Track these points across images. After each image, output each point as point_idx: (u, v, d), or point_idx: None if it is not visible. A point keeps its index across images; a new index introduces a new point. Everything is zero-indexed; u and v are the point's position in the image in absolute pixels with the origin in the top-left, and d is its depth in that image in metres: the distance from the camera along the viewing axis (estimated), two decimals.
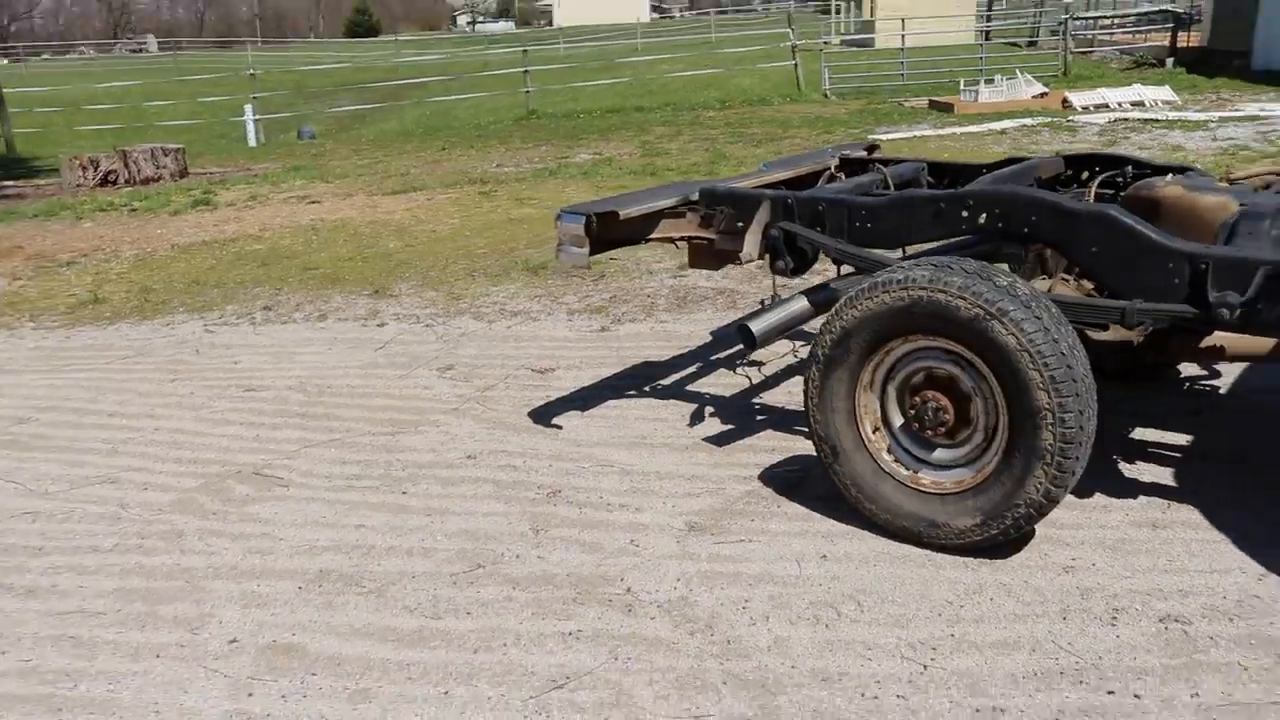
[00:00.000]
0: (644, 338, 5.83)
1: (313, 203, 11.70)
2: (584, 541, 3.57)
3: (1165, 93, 17.12)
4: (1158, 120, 14.89)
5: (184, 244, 9.71)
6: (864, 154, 5.15)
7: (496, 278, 7.43)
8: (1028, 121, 15.51)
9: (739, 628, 3.01)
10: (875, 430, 3.45)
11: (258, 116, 20.67)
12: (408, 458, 4.37)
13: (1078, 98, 16.97)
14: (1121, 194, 4.04)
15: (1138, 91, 17.12)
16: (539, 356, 5.60)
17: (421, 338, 6.08)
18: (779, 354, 5.39)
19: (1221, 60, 21.43)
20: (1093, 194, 4.26)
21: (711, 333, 5.85)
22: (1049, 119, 15.70)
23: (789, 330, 3.99)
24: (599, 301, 6.63)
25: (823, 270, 4.80)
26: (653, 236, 4.32)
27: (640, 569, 3.37)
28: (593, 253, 4.09)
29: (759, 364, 5.28)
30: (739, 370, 5.22)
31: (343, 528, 3.79)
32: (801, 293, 4.00)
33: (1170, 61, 22.67)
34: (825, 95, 21.24)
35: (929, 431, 3.35)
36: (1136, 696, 2.65)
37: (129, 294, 7.81)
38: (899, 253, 4.05)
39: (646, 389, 5.00)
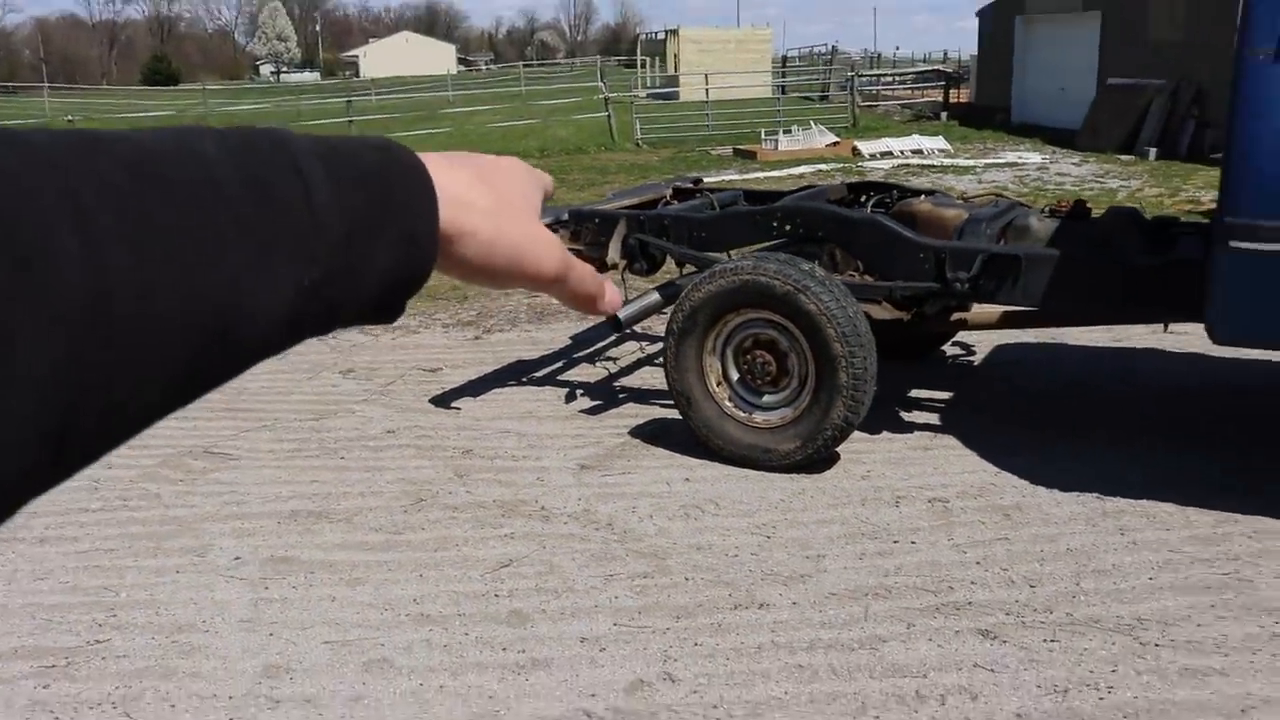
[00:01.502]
0: (514, 343, 6.85)
1: None
2: (501, 481, 4.57)
3: (940, 142, 19.33)
4: (934, 165, 16.92)
5: None
6: (691, 185, 6.37)
7: None
8: (823, 167, 17.30)
9: (631, 524, 4.09)
10: (718, 384, 4.60)
11: None
12: (336, 435, 5.26)
13: (865, 146, 18.96)
14: (888, 210, 5.37)
15: (917, 141, 19.26)
16: (426, 360, 6.55)
17: (316, 348, 6.92)
18: (629, 351, 6.52)
19: (986, 114, 24.09)
20: (868, 210, 5.57)
21: (570, 338, 6.93)
22: (841, 164, 17.55)
23: (646, 317, 5.12)
24: (468, 317, 7.62)
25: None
26: None
27: (549, 494, 4.40)
28: None
29: (613, 359, 6.39)
30: (598, 364, 6.31)
31: (298, 484, 4.66)
32: (653, 288, 5.14)
33: (944, 115, 25.28)
34: (638, 144, 22.72)
35: (758, 382, 4.52)
36: (913, 543, 3.86)
37: None
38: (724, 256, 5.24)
39: (524, 380, 6.03)
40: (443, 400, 5.72)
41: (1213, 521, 4.04)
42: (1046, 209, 5.08)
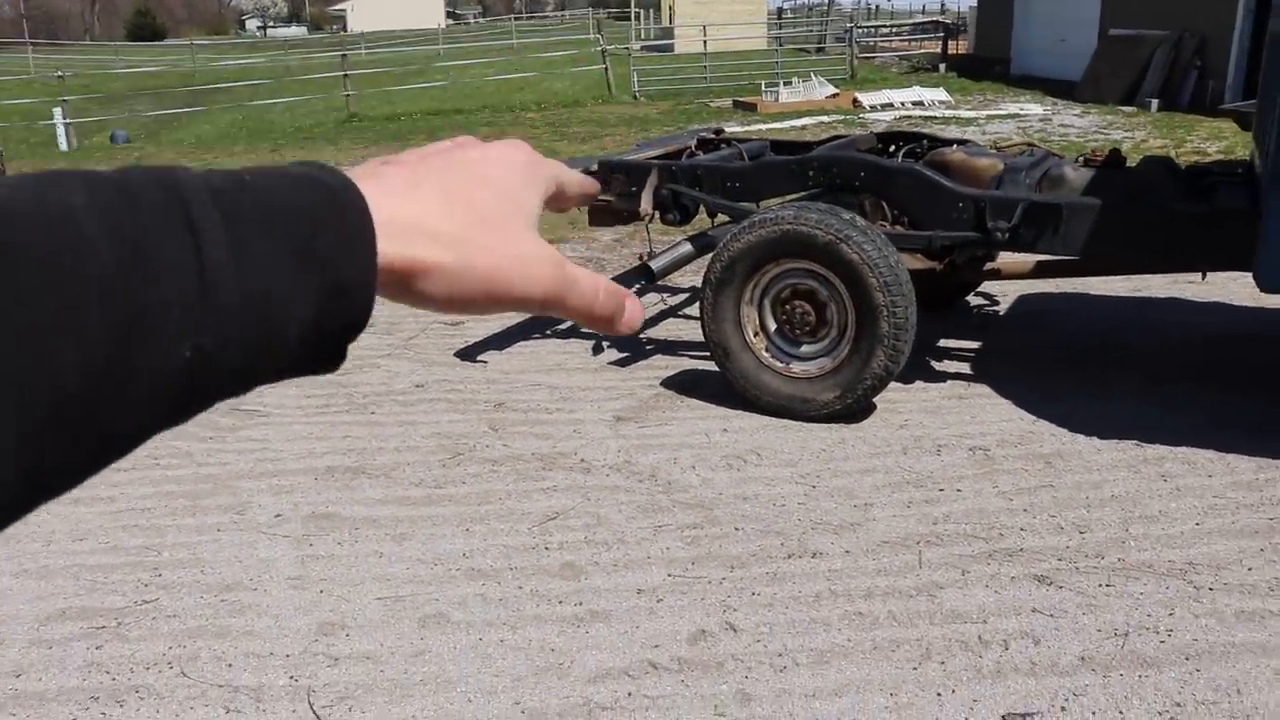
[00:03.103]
0: None
1: None
2: (537, 433, 4.54)
3: (941, 94, 19.18)
4: (935, 117, 16.79)
5: None
6: (714, 136, 6.29)
7: None
8: (824, 119, 17.17)
9: (674, 475, 4.06)
10: (756, 335, 4.56)
11: (68, 120, 20.33)
12: (364, 389, 5.22)
13: (866, 97, 18.81)
14: (920, 160, 5.30)
15: (917, 92, 19.11)
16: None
17: None
18: (653, 303, 6.47)
19: (986, 66, 23.90)
20: (900, 159, 5.51)
21: None
22: (842, 116, 17.42)
23: (678, 268, 5.07)
24: None
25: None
26: None
27: (588, 446, 4.37)
28: None
29: None
30: None
31: (331, 439, 4.63)
32: (684, 239, 5.09)
33: (943, 66, 25.06)
34: (635, 97, 22.52)
35: (797, 332, 4.48)
36: (958, 491, 3.85)
37: None
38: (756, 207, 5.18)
39: (549, 332, 5.98)
40: (468, 354, 5.67)
41: (1254, 467, 4.04)
42: (1081, 158, 5.02)
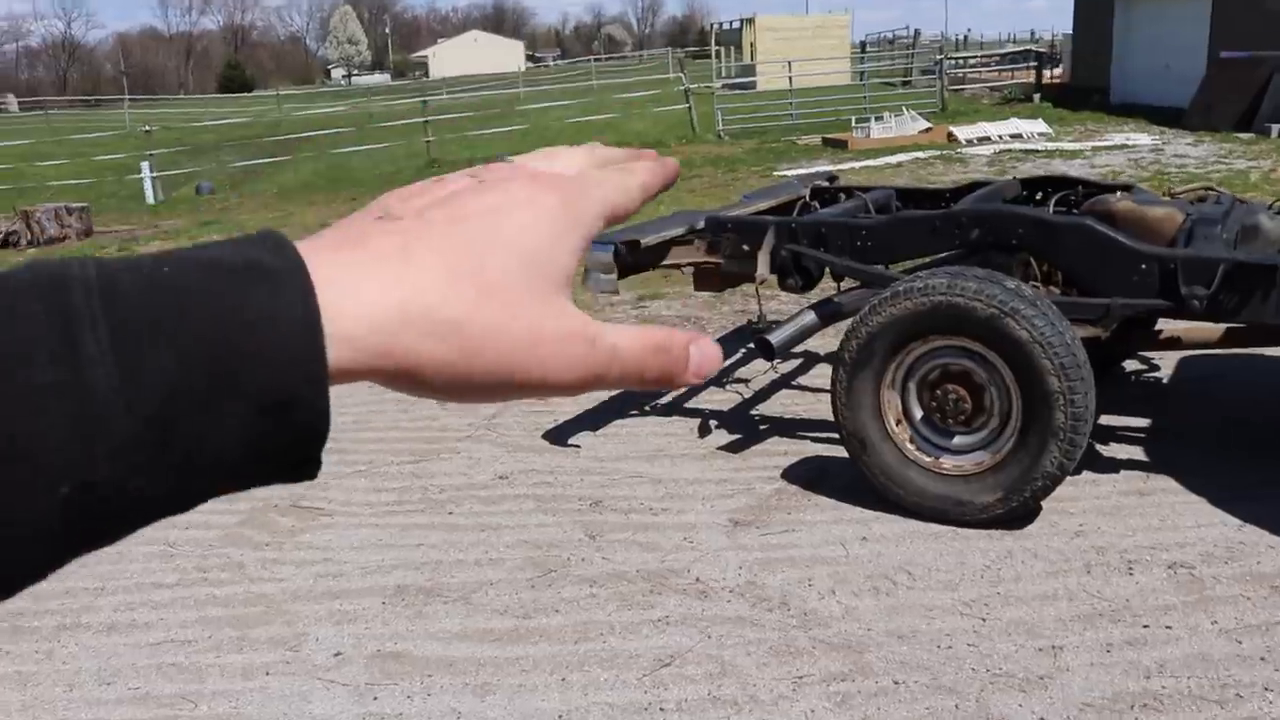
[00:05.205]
0: None
1: None
2: (641, 542, 3.87)
3: (1039, 125, 18.25)
4: (1037, 150, 15.90)
5: None
6: (828, 184, 5.61)
7: None
8: (919, 155, 16.37)
9: (810, 602, 3.36)
10: (898, 423, 3.85)
11: (155, 174, 20.38)
12: (441, 482, 4.60)
13: (961, 131, 17.95)
14: (1076, 210, 4.56)
15: (1015, 125, 18.21)
16: None
17: None
18: (760, 371, 5.78)
19: (1083, 95, 22.89)
20: (1051, 210, 4.77)
21: None
22: (938, 151, 16.59)
23: (801, 341, 4.39)
24: None
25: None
26: (665, 263, 4.68)
27: (702, 561, 3.69)
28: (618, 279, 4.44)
29: (744, 380, 5.66)
30: (728, 387, 5.59)
31: (402, 547, 4.01)
32: (809, 307, 4.40)
33: (1037, 97, 24.09)
34: (719, 136, 21.94)
35: (949, 420, 3.76)
36: (1167, 628, 3.08)
37: None
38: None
39: (647, 408, 5.32)
40: (558, 436, 5.03)
41: None
42: (1276, 205, 4.24)
